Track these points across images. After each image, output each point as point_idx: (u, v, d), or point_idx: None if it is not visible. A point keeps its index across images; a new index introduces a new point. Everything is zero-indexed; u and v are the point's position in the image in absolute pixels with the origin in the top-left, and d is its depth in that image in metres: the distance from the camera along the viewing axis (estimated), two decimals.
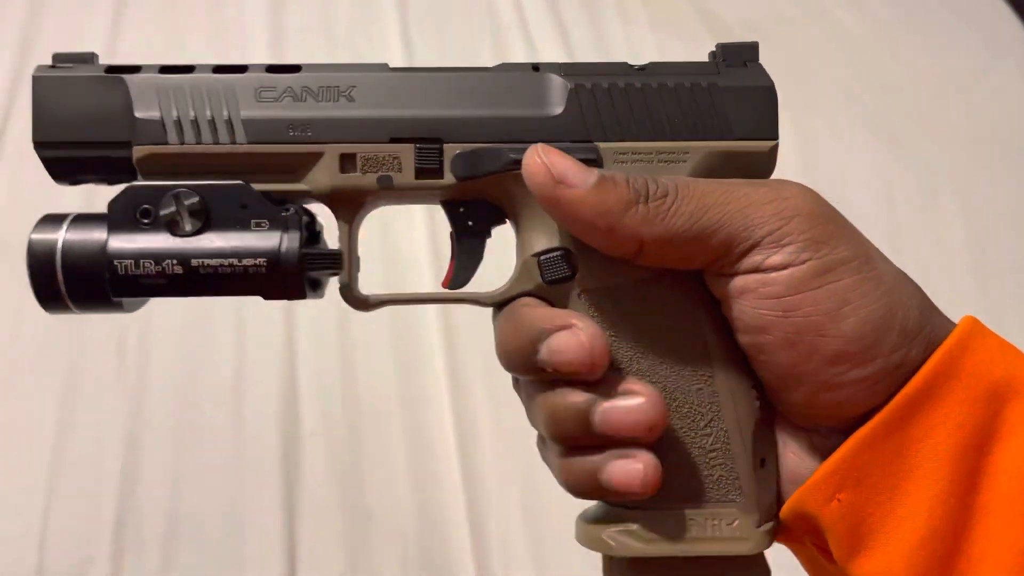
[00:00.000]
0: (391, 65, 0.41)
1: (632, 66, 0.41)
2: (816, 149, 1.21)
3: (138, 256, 0.38)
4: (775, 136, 0.41)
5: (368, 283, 0.44)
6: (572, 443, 0.39)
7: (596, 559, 0.83)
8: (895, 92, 1.29)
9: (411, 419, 0.91)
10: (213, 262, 0.39)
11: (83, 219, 0.40)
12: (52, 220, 0.40)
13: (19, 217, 1.01)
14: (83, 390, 0.90)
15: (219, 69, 0.40)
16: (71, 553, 0.81)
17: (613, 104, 0.40)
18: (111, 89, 0.40)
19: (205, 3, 1.24)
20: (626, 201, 0.36)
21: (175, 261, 0.38)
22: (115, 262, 0.38)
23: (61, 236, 0.39)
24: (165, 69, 0.40)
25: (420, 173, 0.40)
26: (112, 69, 0.40)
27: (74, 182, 0.42)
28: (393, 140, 0.40)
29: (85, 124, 0.40)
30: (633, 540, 0.40)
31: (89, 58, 0.41)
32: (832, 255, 0.36)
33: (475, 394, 0.92)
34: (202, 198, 0.39)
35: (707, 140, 0.40)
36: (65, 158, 0.41)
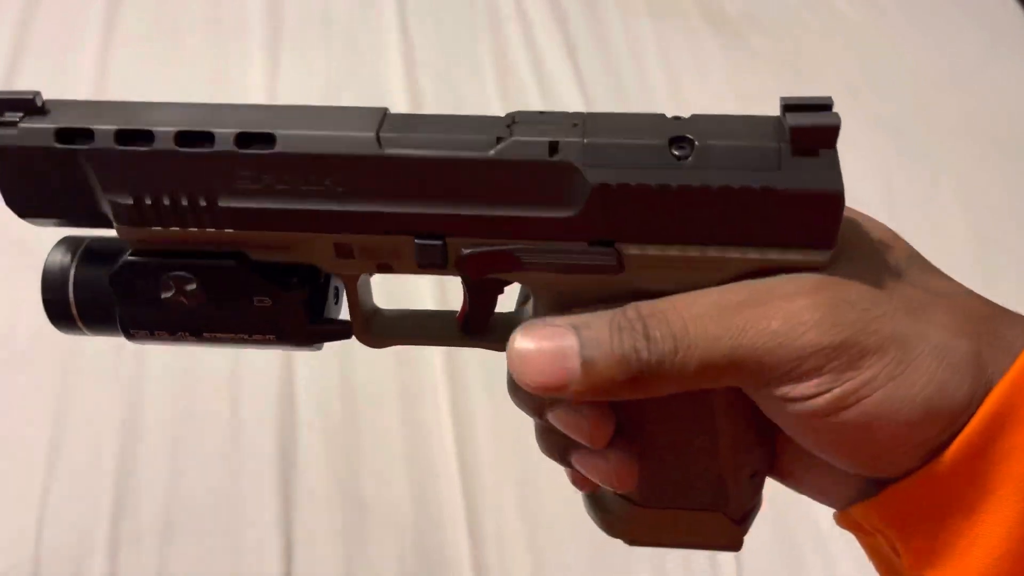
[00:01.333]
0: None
1: (672, 145, 0.33)
2: None
3: (151, 328, 0.38)
4: (831, 246, 0.33)
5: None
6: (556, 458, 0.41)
7: (591, 551, 0.83)
8: (897, 84, 1.29)
9: (408, 410, 0.91)
10: (223, 335, 0.38)
11: (93, 261, 0.38)
12: (64, 250, 0.38)
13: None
14: (79, 381, 0.89)
15: (182, 139, 0.33)
16: (68, 545, 0.81)
17: (642, 205, 0.32)
18: (69, 167, 0.34)
19: None
20: (622, 380, 0.33)
21: (187, 333, 0.38)
22: (131, 330, 0.38)
23: (71, 295, 0.38)
24: (121, 137, 0.34)
25: (422, 266, 0.35)
26: (64, 137, 0.34)
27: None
28: (389, 232, 0.34)
29: (54, 200, 0.35)
30: (623, 527, 0.42)
31: (31, 103, 0.34)
32: (858, 377, 0.32)
33: (473, 386, 0.92)
34: (200, 281, 0.36)
35: (749, 247, 0.33)
36: (54, 225, 0.38)
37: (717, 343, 0.32)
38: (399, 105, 1.15)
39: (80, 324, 0.38)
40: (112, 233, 0.37)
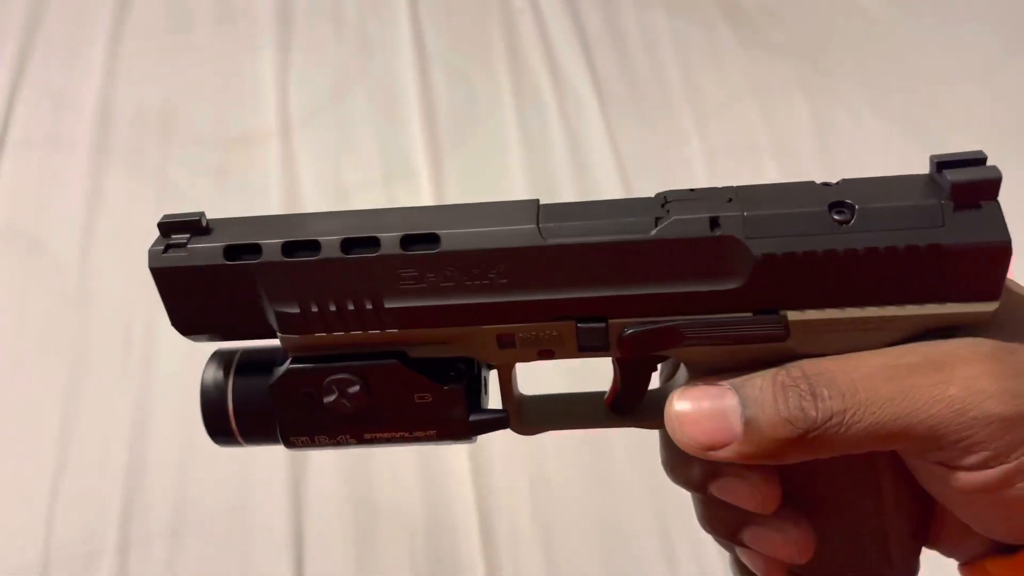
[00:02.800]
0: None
1: (832, 210, 0.33)
2: (836, 135, 1.19)
3: (312, 433, 0.38)
4: (998, 296, 0.32)
5: None
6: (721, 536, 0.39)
7: (604, 553, 0.82)
8: (917, 77, 1.27)
9: None
10: (384, 435, 0.38)
11: (250, 372, 0.39)
12: (217, 368, 0.39)
13: (23, 205, 1.01)
14: (89, 382, 0.89)
15: (348, 245, 0.34)
16: (77, 546, 0.80)
17: (807, 273, 0.32)
18: (238, 282, 0.35)
19: None
20: (787, 439, 0.32)
21: (348, 436, 0.39)
22: (291, 437, 0.39)
23: (230, 408, 0.39)
24: (288, 249, 0.35)
25: (583, 349, 0.35)
26: (232, 253, 0.35)
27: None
28: (553, 319, 0.35)
29: (221, 317, 0.37)
30: None
31: (196, 224, 0.36)
32: None
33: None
34: (363, 382, 0.37)
35: (915, 305, 0.33)
36: (218, 339, 0.39)
37: (889, 405, 0.31)
38: (411, 100, 1.14)
39: (239, 437, 0.40)
40: (271, 342, 0.38)
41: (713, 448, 0.33)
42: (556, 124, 1.14)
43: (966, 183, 0.32)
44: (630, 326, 0.34)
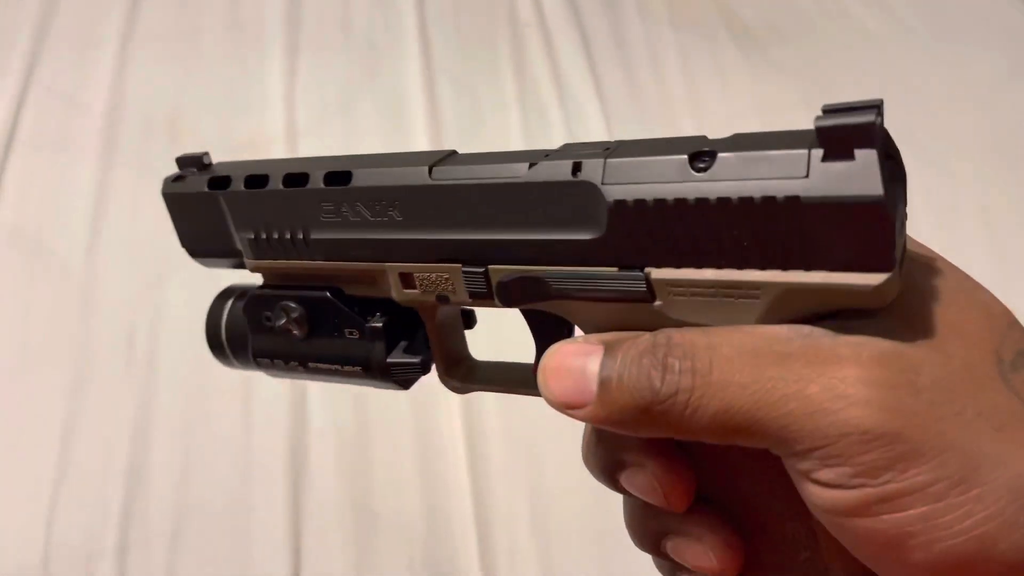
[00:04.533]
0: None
1: (694, 160, 0.30)
2: None
3: (271, 356, 0.43)
4: (887, 267, 0.27)
5: None
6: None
7: (602, 563, 0.82)
8: (918, 98, 1.28)
9: (420, 420, 0.90)
10: (323, 366, 0.42)
11: (241, 300, 0.45)
12: (224, 297, 0.46)
13: (30, 207, 1.02)
14: (91, 383, 0.89)
15: (288, 179, 0.40)
16: (77, 547, 0.81)
17: (663, 223, 0.30)
18: (211, 207, 0.42)
19: None
20: (634, 407, 0.30)
21: (296, 363, 0.43)
22: (258, 359, 0.44)
23: (224, 319, 0.45)
24: (249, 181, 0.41)
25: (472, 295, 0.37)
26: (212, 182, 0.42)
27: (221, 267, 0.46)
28: (441, 260, 0.37)
29: (206, 238, 0.43)
30: None
31: (200, 161, 0.43)
32: (898, 482, 0.26)
33: (484, 397, 0.91)
34: (303, 309, 0.42)
35: (786, 271, 0.29)
36: (208, 259, 0.45)
37: (740, 393, 0.28)
38: (417, 110, 1.15)
39: (229, 353, 0.45)
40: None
41: (571, 407, 0.32)
42: (561, 136, 1.15)
43: (833, 127, 0.27)
44: (504, 274, 0.35)
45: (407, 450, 0.88)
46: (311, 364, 0.42)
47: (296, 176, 0.40)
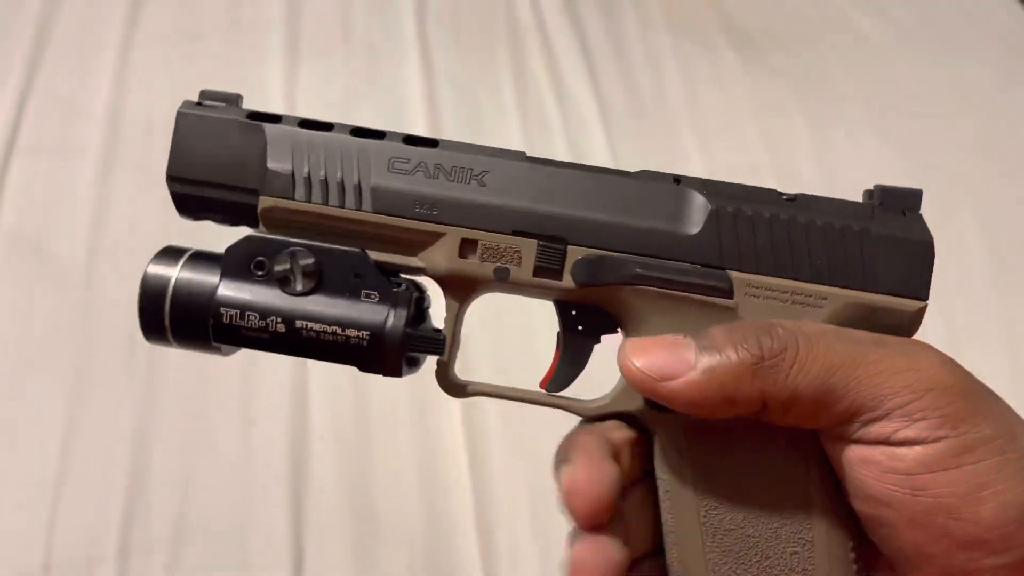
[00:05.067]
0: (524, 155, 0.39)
1: (781, 195, 0.38)
2: (835, 159, 1.20)
3: (245, 307, 0.38)
4: (925, 297, 0.36)
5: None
6: None
7: None
8: (916, 102, 1.28)
9: (421, 426, 0.90)
10: (317, 327, 0.38)
11: (200, 258, 0.40)
12: (171, 254, 0.40)
13: (31, 211, 1.02)
14: (92, 389, 0.89)
15: (357, 132, 0.40)
16: (78, 552, 0.81)
17: (754, 234, 0.37)
18: (249, 136, 0.40)
19: None
20: (743, 367, 0.33)
21: (279, 319, 0.38)
22: (221, 309, 0.38)
23: (175, 273, 0.39)
24: (304, 124, 0.40)
25: (539, 271, 0.38)
26: (253, 116, 0.40)
27: (196, 218, 0.42)
28: (517, 233, 0.38)
29: (219, 166, 0.40)
30: None
31: (234, 99, 0.42)
32: (972, 433, 0.32)
33: (486, 402, 0.91)
34: (317, 260, 0.38)
35: (850, 289, 0.36)
36: (193, 195, 0.40)
37: (839, 354, 0.33)
38: (417, 114, 1.15)
39: (169, 330, 0.40)
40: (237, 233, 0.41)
41: (666, 377, 0.33)
42: (560, 141, 1.15)
43: (892, 190, 0.38)
44: (586, 254, 0.37)
45: (408, 453, 0.88)
46: (298, 323, 0.38)
47: (370, 132, 0.40)
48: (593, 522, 0.36)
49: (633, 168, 0.40)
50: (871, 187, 0.38)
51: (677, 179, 0.38)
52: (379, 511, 0.85)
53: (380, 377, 0.94)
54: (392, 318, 0.38)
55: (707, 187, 0.38)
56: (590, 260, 0.37)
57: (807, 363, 0.33)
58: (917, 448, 0.32)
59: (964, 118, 1.27)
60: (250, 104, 0.43)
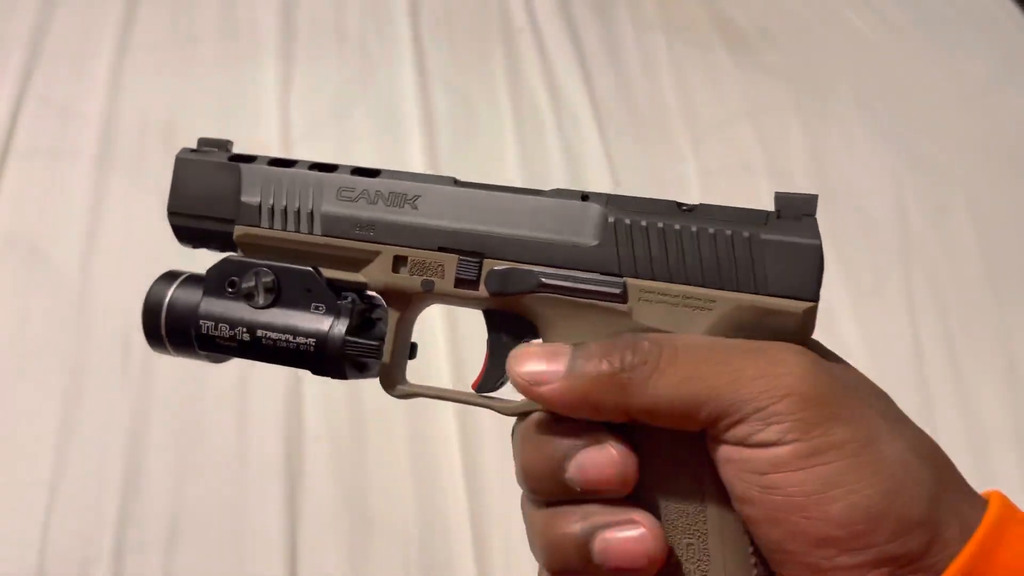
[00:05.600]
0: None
1: (681, 205, 0.40)
2: (829, 156, 1.21)
3: (218, 320, 0.45)
4: (813, 298, 0.38)
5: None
6: (568, 572, 0.39)
7: None
8: (910, 100, 1.29)
9: (416, 425, 0.90)
10: (273, 335, 0.44)
11: (191, 279, 0.47)
12: (169, 277, 0.48)
13: (26, 214, 1.02)
14: (87, 389, 0.90)
15: (314, 167, 0.45)
16: (72, 553, 0.81)
17: (648, 243, 0.40)
18: (228, 175, 0.46)
19: (217, 2, 1.24)
20: (602, 377, 0.36)
21: (244, 329, 0.45)
22: (201, 321, 0.45)
23: (170, 292, 0.47)
24: (273, 162, 0.46)
25: (459, 283, 0.42)
26: (232, 158, 0.47)
27: (194, 246, 0.49)
28: (441, 249, 0.43)
29: (205, 201, 0.47)
30: None
31: (224, 145, 0.48)
32: (823, 437, 0.34)
33: None
34: (276, 277, 0.45)
35: (738, 292, 0.38)
36: (187, 227, 0.48)
37: (700, 362, 0.35)
38: (411, 117, 1.16)
39: (166, 340, 0.46)
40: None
41: (537, 383, 0.37)
42: (554, 142, 1.15)
43: (789, 196, 0.39)
44: (499, 265, 0.42)
45: (402, 453, 0.89)
46: (259, 332, 0.44)
47: (325, 166, 0.45)
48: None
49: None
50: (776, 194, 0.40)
51: (585, 196, 0.41)
52: (373, 511, 0.85)
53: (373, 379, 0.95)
54: (334, 327, 0.44)
55: (611, 202, 0.41)
56: (501, 272, 0.41)
57: (667, 374, 0.35)
58: (770, 450, 0.34)
59: (958, 116, 1.27)
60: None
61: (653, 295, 0.39)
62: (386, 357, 0.44)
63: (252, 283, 0.45)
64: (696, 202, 0.41)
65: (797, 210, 0.39)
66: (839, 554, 0.33)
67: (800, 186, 1.13)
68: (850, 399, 0.35)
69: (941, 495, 0.35)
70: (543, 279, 0.41)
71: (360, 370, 0.45)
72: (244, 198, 0.46)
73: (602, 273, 0.40)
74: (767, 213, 0.39)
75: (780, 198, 0.39)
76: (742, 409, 0.34)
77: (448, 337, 0.96)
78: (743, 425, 0.34)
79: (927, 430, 0.38)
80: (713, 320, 0.38)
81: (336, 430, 0.90)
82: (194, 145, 0.49)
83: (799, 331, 0.38)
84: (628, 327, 0.39)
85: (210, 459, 0.87)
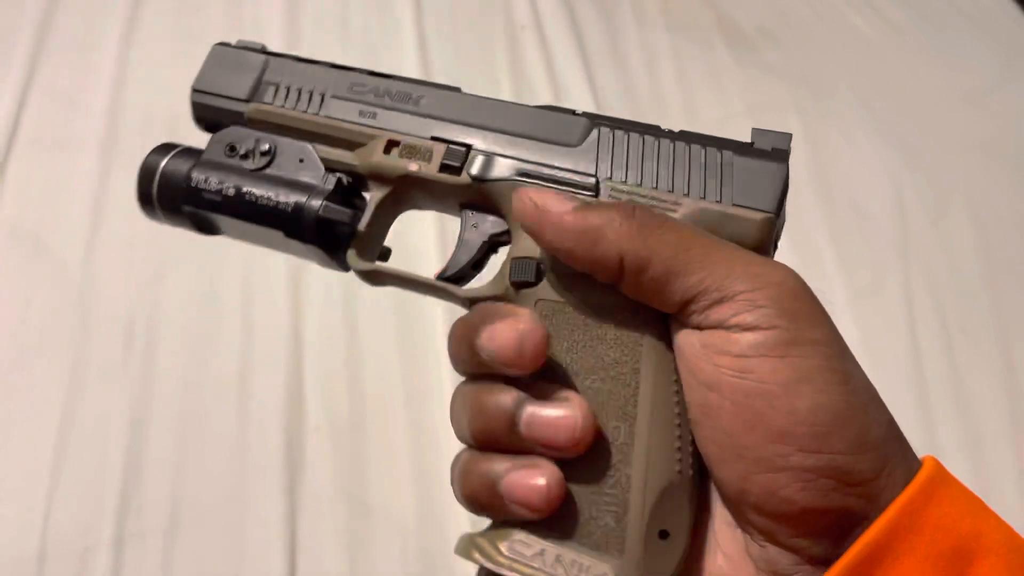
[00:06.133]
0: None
1: (663, 130, 0.44)
2: (829, 155, 1.21)
3: (209, 174, 0.48)
4: (772, 210, 0.40)
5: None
6: (490, 445, 0.39)
7: None
8: (909, 100, 1.29)
9: (415, 414, 0.91)
10: (257, 192, 0.47)
11: (186, 152, 0.50)
12: (167, 148, 0.51)
13: (30, 206, 1.03)
14: (88, 377, 0.90)
15: (336, 67, 0.49)
16: (73, 541, 0.81)
17: (626, 151, 0.43)
18: (256, 60, 0.51)
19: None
20: (611, 217, 0.37)
21: (231, 185, 0.47)
22: (193, 174, 0.48)
23: (167, 158, 0.50)
24: (297, 59, 0.50)
25: (443, 168, 0.45)
26: (267, 52, 0.51)
27: (206, 127, 0.52)
28: (434, 139, 0.46)
29: (228, 80, 0.51)
30: (495, 555, 0.38)
31: (260, 46, 0.52)
32: (805, 332, 0.34)
33: None
34: (273, 146, 0.48)
35: (702, 199, 0.41)
36: (205, 104, 0.51)
37: (697, 239, 0.36)
38: None
39: (155, 197, 0.50)
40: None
41: (548, 210, 0.38)
42: None
43: (766, 131, 0.42)
44: (483, 154, 0.45)
45: (401, 442, 0.89)
46: (244, 188, 0.47)
47: (344, 67, 0.49)
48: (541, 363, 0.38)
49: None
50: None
51: (574, 112, 0.45)
52: (373, 499, 0.86)
53: (375, 369, 0.95)
54: (316, 191, 0.46)
55: (598, 118, 0.45)
56: (484, 159, 0.45)
57: (670, 233, 0.36)
58: (751, 333, 0.34)
59: (958, 116, 1.28)
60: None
61: (623, 194, 0.42)
62: (363, 226, 0.47)
63: (250, 147, 0.48)
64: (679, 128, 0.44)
65: (771, 143, 0.42)
66: (794, 452, 0.33)
67: (800, 185, 1.14)
68: (826, 316, 0.36)
69: (898, 435, 0.35)
70: (524, 166, 0.44)
71: (331, 248, 0.47)
72: (266, 79, 0.50)
73: (580, 173, 0.43)
74: (743, 143, 0.42)
75: (756, 132, 0.42)
76: (732, 287, 0.35)
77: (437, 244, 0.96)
78: (728, 304, 0.35)
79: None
80: (678, 219, 0.40)
81: (336, 420, 0.90)
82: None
83: (757, 241, 0.40)
84: None
85: (210, 448, 0.87)
